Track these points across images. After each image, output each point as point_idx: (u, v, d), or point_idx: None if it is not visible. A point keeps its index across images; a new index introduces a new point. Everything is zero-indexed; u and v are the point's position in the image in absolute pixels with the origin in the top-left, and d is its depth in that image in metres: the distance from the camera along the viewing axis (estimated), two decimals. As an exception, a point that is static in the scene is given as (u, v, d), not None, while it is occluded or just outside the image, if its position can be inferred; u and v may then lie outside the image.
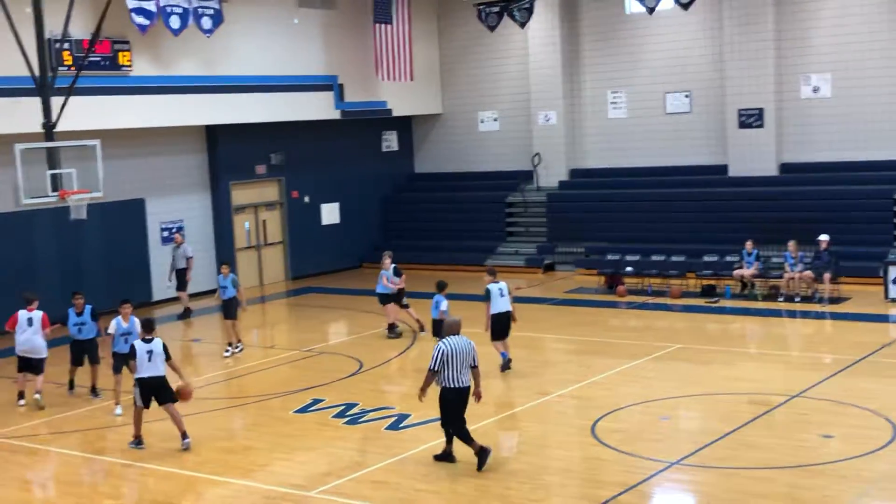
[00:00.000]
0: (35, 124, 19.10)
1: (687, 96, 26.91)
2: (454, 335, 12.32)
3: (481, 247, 28.61)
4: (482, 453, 12.12)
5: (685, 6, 24.36)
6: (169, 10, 22.54)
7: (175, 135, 25.56)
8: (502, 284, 16.74)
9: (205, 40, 23.70)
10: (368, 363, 17.92)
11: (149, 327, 13.72)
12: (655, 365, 16.97)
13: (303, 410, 15.18)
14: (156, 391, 13.51)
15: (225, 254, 26.45)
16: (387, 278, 19.77)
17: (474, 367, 12.30)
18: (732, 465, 11.91)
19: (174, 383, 13.72)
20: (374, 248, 30.00)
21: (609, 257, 24.90)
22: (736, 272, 22.67)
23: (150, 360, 13.39)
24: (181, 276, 23.29)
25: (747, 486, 11.20)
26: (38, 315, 16.09)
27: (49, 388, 16.43)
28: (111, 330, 15.41)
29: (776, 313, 20.86)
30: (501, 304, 16.61)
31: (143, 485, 12.45)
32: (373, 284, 25.28)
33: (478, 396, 12.43)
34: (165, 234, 25.46)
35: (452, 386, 12.16)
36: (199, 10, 23.15)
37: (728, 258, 23.36)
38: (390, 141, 31.26)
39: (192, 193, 26.21)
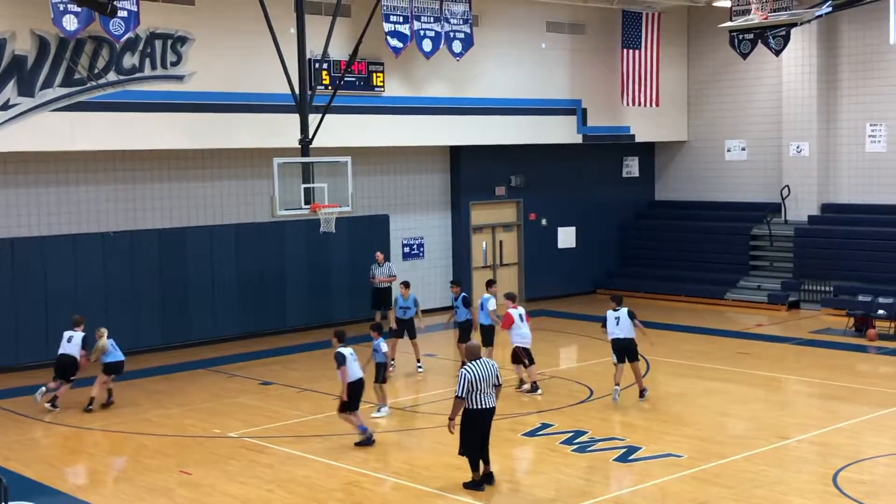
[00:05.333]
0: (292, 140, 20.10)
1: (954, 131, 25.22)
2: (476, 359, 12.66)
3: (721, 279, 27.78)
4: (488, 478, 12.64)
5: (957, 35, 22.81)
6: (422, 33, 23.22)
7: (420, 154, 26.29)
8: (621, 312, 16.90)
9: (454, 63, 24.24)
10: (599, 391, 17.72)
11: (342, 336, 14.91)
12: (907, 416, 15.94)
13: (531, 434, 15.17)
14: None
15: (462, 272, 26.91)
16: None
17: (498, 386, 12.70)
18: None
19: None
20: (610, 275, 29.75)
21: (860, 298, 23.58)
22: None
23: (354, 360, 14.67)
24: (382, 296, 22.87)
25: None
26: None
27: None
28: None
29: None
30: (616, 332, 16.93)
31: (374, 493, 12.77)
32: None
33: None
34: (406, 249, 26.19)
35: (478, 408, 12.50)
36: (451, 33, 23.73)
37: None
38: (631, 167, 30.92)
39: (433, 211, 26.85)
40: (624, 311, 17.00)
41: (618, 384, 16.99)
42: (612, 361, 17.17)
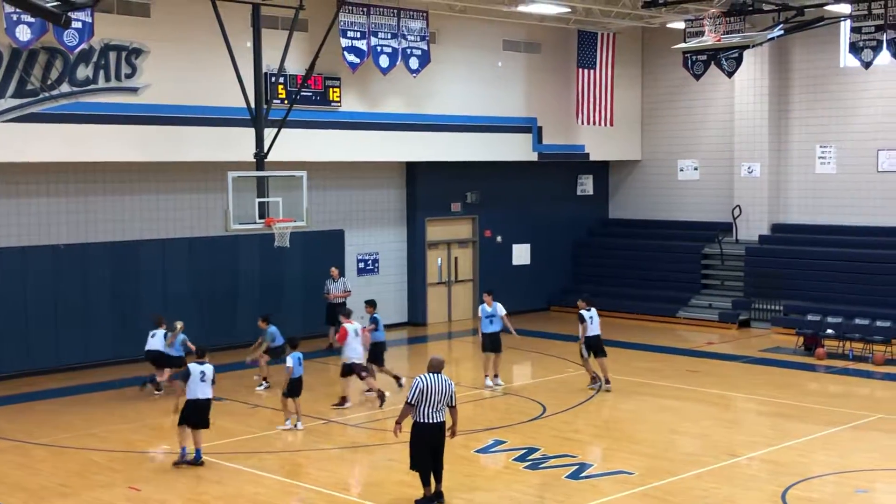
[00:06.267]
0: (247, 154, 20.00)
1: (902, 154, 25.68)
2: (435, 372, 12.56)
3: (673, 297, 28.01)
4: (438, 497, 12.52)
5: (905, 60, 23.28)
6: (379, 49, 23.25)
7: (376, 169, 26.27)
8: (593, 312, 19.14)
9: (411, 79, 24.28)
10: (552, 408, 17.78)
11: (202, 353, 14.77)
12: (854, 434, 16.13)
13: (484, 451, 15.18)
14: (203, 412, 14.48)
15: (417, 288, 26.92)
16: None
17: (452, 407, 12.62)
18: (936, 549, 11.17)
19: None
20: (564, 292, 29.89)
21: (809, 317, 23.89)
22: (947, 342, 21.36)
23: (202, 380, 14.44)
24: (336, 312, 23.06)
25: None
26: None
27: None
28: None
29: None
30: (591, 329, 19.03)
31: (326, 511, 12.73)
32: (561, 328, 25.20)
33: (452, 433, 12.75)
34: (362, 265, 26.13)
35: (425, 421, 12.43)
36: (408, 50, 23.77)
37: (939, 326, 22.04)
38: (586, 185, 31.13)
39: (388, 227, 26.83)
40: (594, 311, 19.17)
41: (594, 374, 19.05)
42: (581, 357, 19.20)
